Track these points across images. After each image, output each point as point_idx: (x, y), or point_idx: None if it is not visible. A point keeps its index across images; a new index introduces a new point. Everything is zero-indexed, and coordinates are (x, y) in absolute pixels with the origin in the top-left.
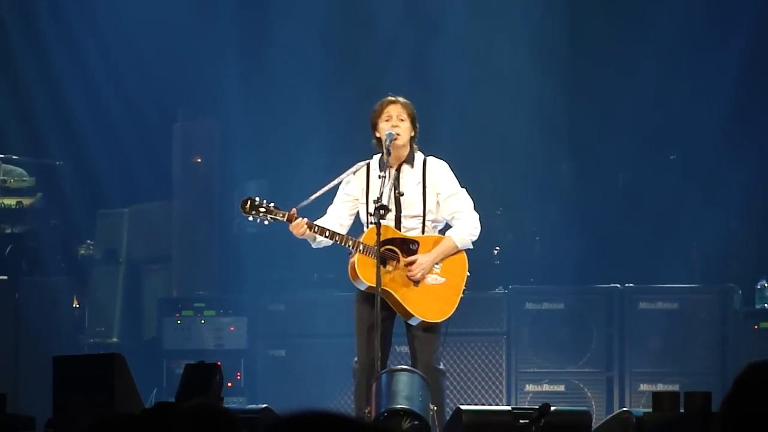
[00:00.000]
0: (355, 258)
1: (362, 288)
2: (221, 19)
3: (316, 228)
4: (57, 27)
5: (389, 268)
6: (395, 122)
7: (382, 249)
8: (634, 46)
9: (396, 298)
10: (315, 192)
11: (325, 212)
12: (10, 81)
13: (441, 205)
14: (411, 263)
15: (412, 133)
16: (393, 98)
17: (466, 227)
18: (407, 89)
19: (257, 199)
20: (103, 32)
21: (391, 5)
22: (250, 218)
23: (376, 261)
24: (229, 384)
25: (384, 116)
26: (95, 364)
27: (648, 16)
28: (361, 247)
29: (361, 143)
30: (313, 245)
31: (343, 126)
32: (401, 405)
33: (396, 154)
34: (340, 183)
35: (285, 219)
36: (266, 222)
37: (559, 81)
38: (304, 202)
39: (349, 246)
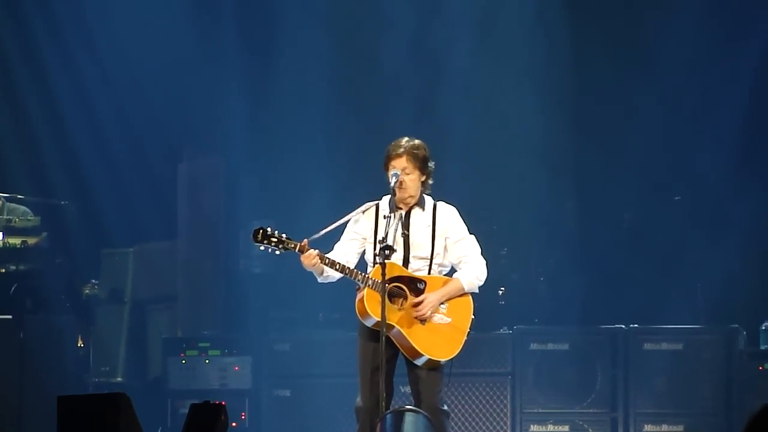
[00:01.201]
0: (364, 293)
1: (370, 324)
2: (226, 59)
3: (327, 260)
4: (63, 66)
5: (396, 306)
6: (401, 178)
7: (391, 285)
8: (639, 87)
9: (403, 336)
10: (325, 227)
11: (332, 249)
12: (15, 120)
13: (449, 249)
14: (419, 302)
15: (422, 178)
16: (398, 152)
17: (474, 272)
18: (412, 128)
19: (269, 229)
20: (108, 71)
21: (397, 44)
22: (262, 248)
23: (381, 298)
24: (234, 424)
25: (390, 170)
26: (100, 404)
27: (653, 58)
28: (370, 282)
29: (366, 182)
30: (320, 279)
31: (348, 165)
32: None
33: (404, 200)
34: (349, 221)
35: (297, 250)
36: (277, 252)
37: (564, 121)
38: (315, 236)
39: (358, 280)
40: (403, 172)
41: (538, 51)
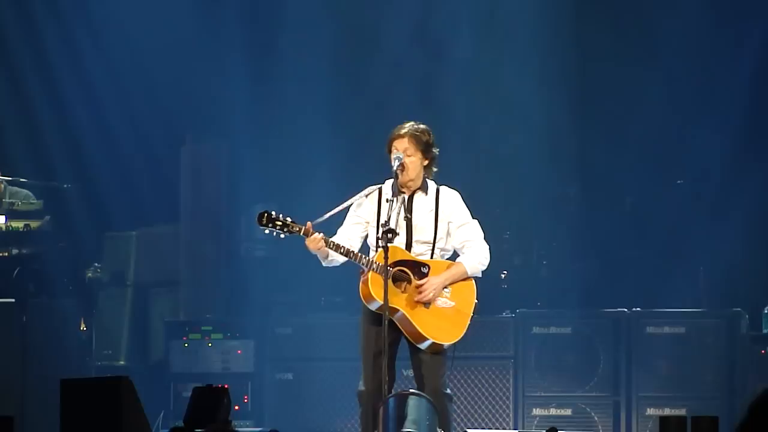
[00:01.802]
0: (368, 276)
1: (374, 308)
2: (229, 43)
3: (332, 244)
4: (65, 50)
5: (400, 289)
6: (402, 161)
7: (395, 269)
8: (642, 71)
9: (407, 319)
10: (329, 211)
11: (335, 233)
12: (17, 103)
13: (452, 234)
14: (422, 285)
15: (425, 163)
16: (400, 132)
17: (477, 256)
18: (415, 112)
19: (274, 212)
20: (111, 55)
21: (400, 27)
22: (267, 231)
23: (384, 282)
24: (237, 407)
25: (393, 152)
26: (103, 387)
27: (657, 41)
28: (374, 265)
29: (369, 165)
30: (324, 263)
31: (351, 148)
32: (409, 429)
33: (407, 185)
34: (351, 204)
35: (301, 233)
36: (282, 235)
37: (566, 105)
38: (319, 219)
39: (362, 264)
40: (404, 154)
41: (542, 35)
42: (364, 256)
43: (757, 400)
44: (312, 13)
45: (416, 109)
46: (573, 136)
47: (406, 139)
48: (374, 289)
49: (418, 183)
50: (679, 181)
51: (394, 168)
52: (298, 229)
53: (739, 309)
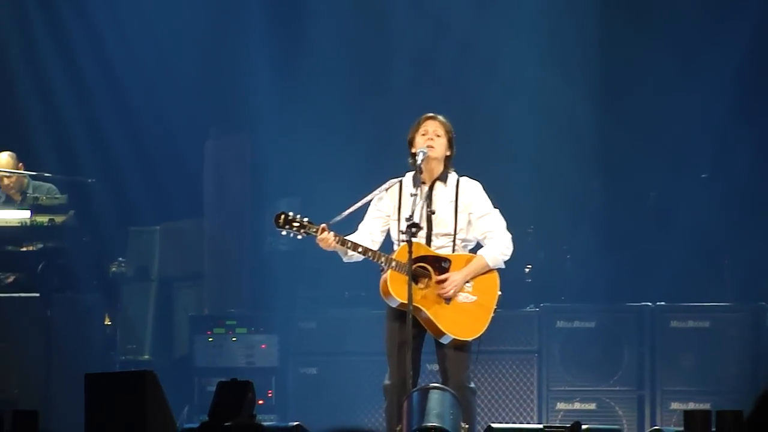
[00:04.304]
0: (387, 274)
1: (394, 305)
2: (253, 37)
3: (349, 243)
4: (90, 45)
5: (421, 285)
6: (431, 136)
7: (415, 266)
8: (667, 65)
9: (428, 316)
10: (348, 208)
11: (357, 229)
12: (42, 98)
13: (473, 224)
14: (443, 281)
15: (448, 152)
16: (432, 115)
17: (499, 247)
18: (439, 106)
19: (291, 213)
20: (135, 50)
21: (423, 23)
22: (284, 232)
23: (407, 278)
24: (261, 402)
25: (421, 130)
26: (127, 382)
27: (685, 34)
28: (393, 263)
29: (393, 160)
30: (344, 259)
31: (375, 143)
32: (433, 423)
33: (429, 169)
34: (372, 199)
35: (318, 234)
36: (299, 236)
37: (591, 99)
38: (337, 218)
39: (381, 262)
40: (434, 133)
41: (565, 30)
42: (382, 254)
43: (764, 391)
44: (336, 8)
45: (440, 104)
46: (597, 130)
47: (436, 122)
48: (393, 286)
49: (439, 170)
50: (703, 175)
51: (419, 161)
52: (315, 230)
53: (763, 303)
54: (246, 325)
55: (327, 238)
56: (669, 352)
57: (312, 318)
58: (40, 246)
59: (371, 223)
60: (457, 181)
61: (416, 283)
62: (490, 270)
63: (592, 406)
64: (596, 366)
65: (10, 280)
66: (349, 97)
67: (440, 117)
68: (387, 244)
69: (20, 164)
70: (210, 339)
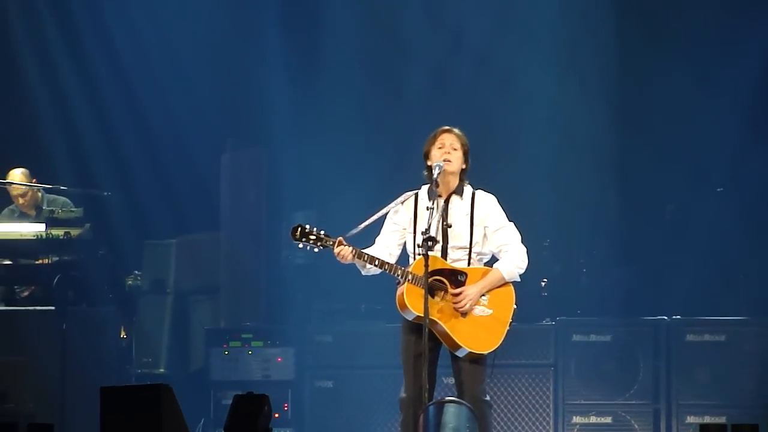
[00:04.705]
0: (404, 288)
1: (410, 318)
2: (270, 50)
3: (366, 257)
4: (106, 59)
5: (437, 298)
6: (447, 150)
7: (431, 279)
8: (683, 79)
9: (444, 329)
10: (364, 221)
11: (374, 242)
12: (58, 112)
13: (488, 238)
14: (458, 294)
15: (464, 166)
16: (448, 128)
17: (514, 260)
18: (454, 119)
19: (308, 226)
20: (152, 63)
21: (441, 37)
22: (300, 245)
23: (424, 291)
24: (277, 415)
25: (437, 143)
26: (142, 395)
27: (701, 49)
28: (409, 276)
29: (409, 173)
30: (363, 272)
31: (391, 156)
32: None
33: (445, 182)
34: (388, 212)
35: (335, 247)
36: (316, 249)
37: (607, 112)
38: (353, 231)
39: (397, 275)
40: (450, 147)
41: (583, 42)
42: (399, 267)
43: None
44: (352, 20)
45: (456, 116)
46: (613, 144)
47: (453, 135)
48: (410, 300)
49: (455, 183)
50: (719, 189)
51: (435, 176)
52: (332, 243)
53: None
54: (262, 338)
55: (344, 251)
56: (685, 366)
57: (328, 331)
58: (55, 259)
59: (387, 236)
60: (473, 194)
61: (432, 296)
62: (506, 283)
63: (608, 419)
64: (612, 380)
65: (26, 293)
66: (365, 109)
67: (456, 130)
68: (403, 257)
69: (33, 180)
70: (226, 352)
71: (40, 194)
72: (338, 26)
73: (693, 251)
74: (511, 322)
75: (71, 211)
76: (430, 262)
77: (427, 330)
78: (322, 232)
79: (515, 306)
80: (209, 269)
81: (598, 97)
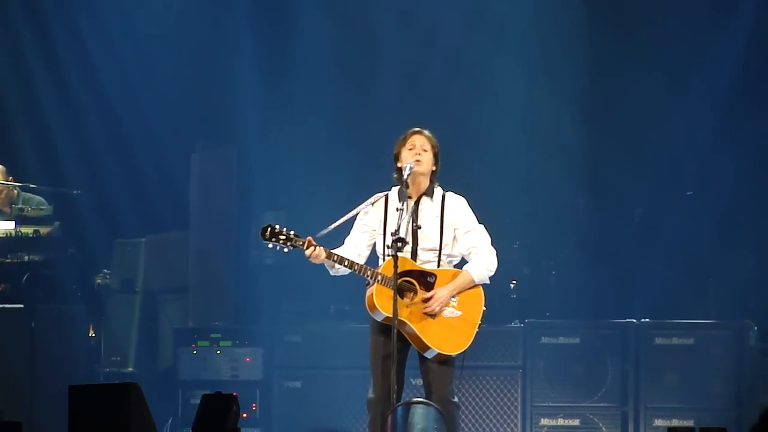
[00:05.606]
0: (373, 288)
1: (379, 319)
2: (241, 51)
3: (336, 257)
4: (77, 58)
5: (406, 300)
6: (418, 151)
7: (401, 280)
8: (653, 84)
9: (413, 330)
10: (334, 222)
11: (343, 242)
12: (28, 110)
13: (458, 240)
14: (428, 299)
15: (434, 167)
16: (418, 129)
17: (484, 262)
18: (425, 121)
19: (277, 226)
20: (122, 62)
21: (411, 39)
22: (270, 245)
23: (393, 292)
24: (245, 415)
25: (408, 145)
26: (111, 394)
27: (671, 54)
28: (379, 277)
29: (378, 174)
30: (331, 272)
31: (360, 157)
32: None
33: (415, 184)
34: (358, 213)
35: (305, 247)
36: (285, 250)
37: (578, 116)
38: (323, 232)
39: (367, 276)
40: (420, 148)
41: (554, 44)
42: (368, 268)
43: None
44: (322, 21)
45: (427, 117)
46: (583, 147)
47: (423, 137)
48: (379, 301)
49: (426, 185)
50: (688, 193)
51: (405, 176)
52: (301, 242)
53: (748, 320)
54: (231, 338)
55: (317, 252)
56: (653, 369)
57: (297, 332)
58: (24, 257)
59: (357, 237)
60: (443, 196)
61: (402, 297)
62: (475, 285)
63: (576, 422)
64: (580, 382)
65: None
66: (335, 111)
67: (426, 132)
68: (372, 258)
69: (10, 177)
70: (194, 352)
71: (15, 192)
72: (309, 26)
73: (662, 255)
74: (480, 324)
75: (41, 209)
76: (399, 264)
77: (395, 331)
78: (292, 232)
79: (484, 308)
80: (178, 269)
81: (569, 99)
